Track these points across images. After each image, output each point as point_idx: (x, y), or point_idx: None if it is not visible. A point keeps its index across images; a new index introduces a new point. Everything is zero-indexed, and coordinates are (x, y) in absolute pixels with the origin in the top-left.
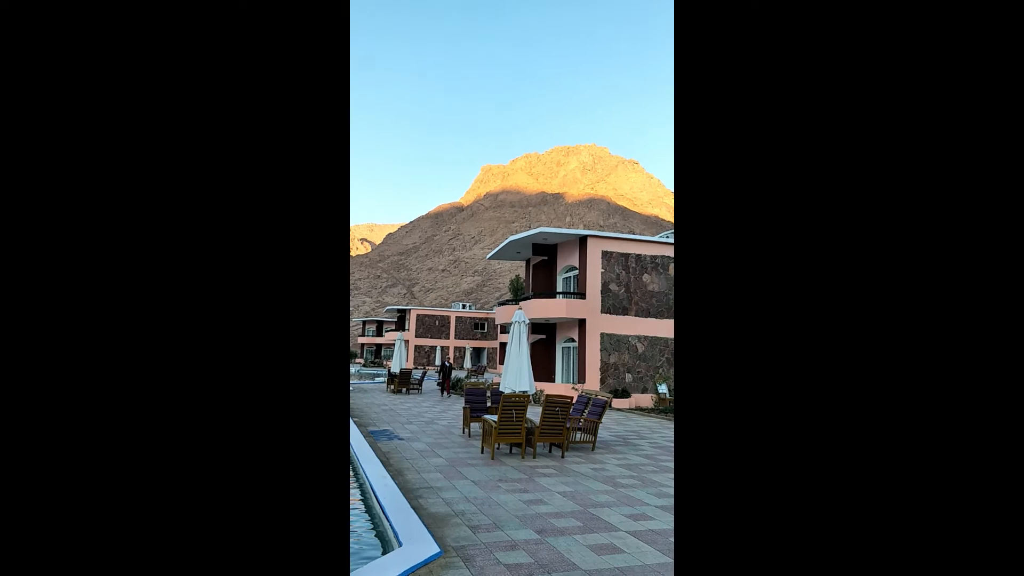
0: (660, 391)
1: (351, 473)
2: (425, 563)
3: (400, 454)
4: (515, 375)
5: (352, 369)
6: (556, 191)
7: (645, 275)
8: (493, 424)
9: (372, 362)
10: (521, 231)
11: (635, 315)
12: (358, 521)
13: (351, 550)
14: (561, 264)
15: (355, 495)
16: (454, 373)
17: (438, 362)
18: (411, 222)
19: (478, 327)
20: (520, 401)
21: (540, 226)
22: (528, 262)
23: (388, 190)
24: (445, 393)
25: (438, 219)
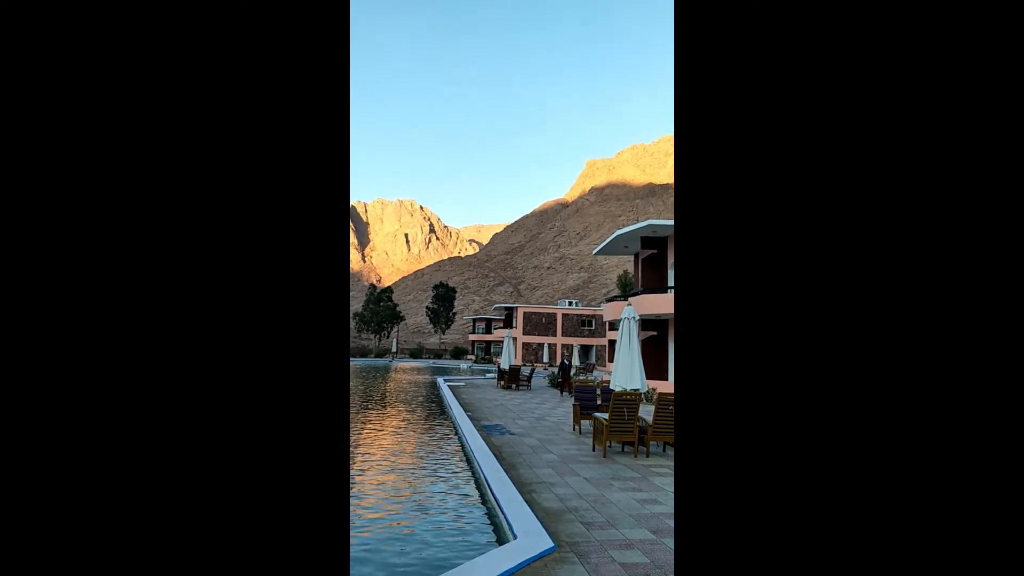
0: None
1: (467, 465)
2: (539, 556)
3: (512, 448)
4: (626, 373)
5: (463, 365)
6: (664, 182)
7: None
8: (604, 422)
9: (482, 359)
10: (628, 225)
11: None
12: (474, 512)
13: (466, 539)
14: (672, 258)
15: (471, 487)
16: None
17: (545, 359)
18: (516, 221)
19: (585, 324)
20: (632, 399)
21: (648, 219)
22: (636, 256)
23: (493, 192)
24: (566, 392)
25: (542, 217)
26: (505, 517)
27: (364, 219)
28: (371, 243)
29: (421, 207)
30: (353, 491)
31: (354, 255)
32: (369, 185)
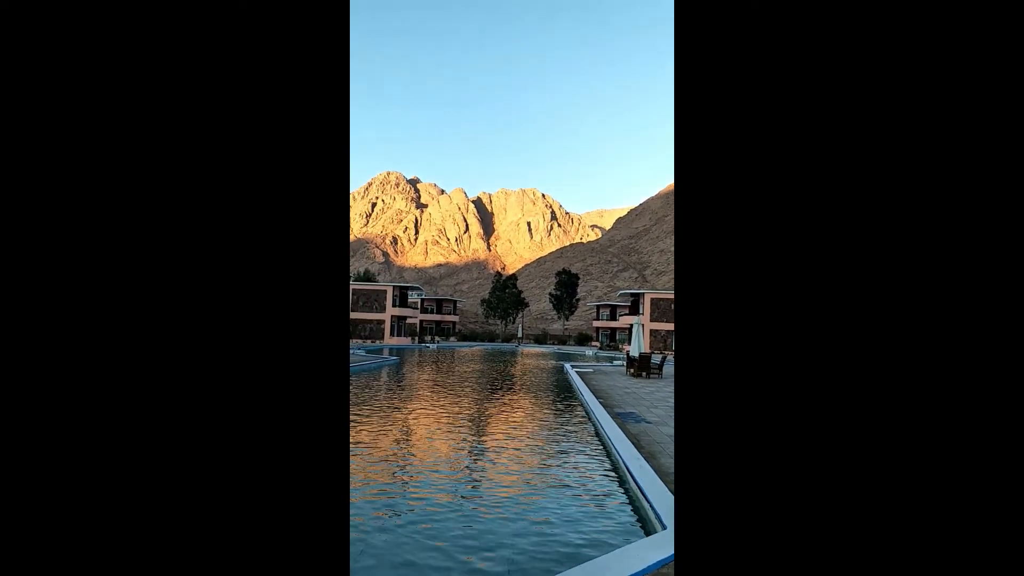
0: None
1: (604, 453)
2: None
3: (650, 437)
4: None
5: (589, 352)
6: None
7: None
8: None
9: (607, 345)
10: None
11: None
12: (615, 498)
13: (610, 527)
14: None
15: (610, 475)
16: None
17: (675, 347)
18: (640, 204)
19: None
20: None
21: None
22: None
23: (615, 176)
24: None
25: (669, 198)
26: (651, 507)
27: (489, 209)
28: (496, 232)
29: (543, 195)
30: (489, 467)
31: (480, 244)
32: (493, 176)
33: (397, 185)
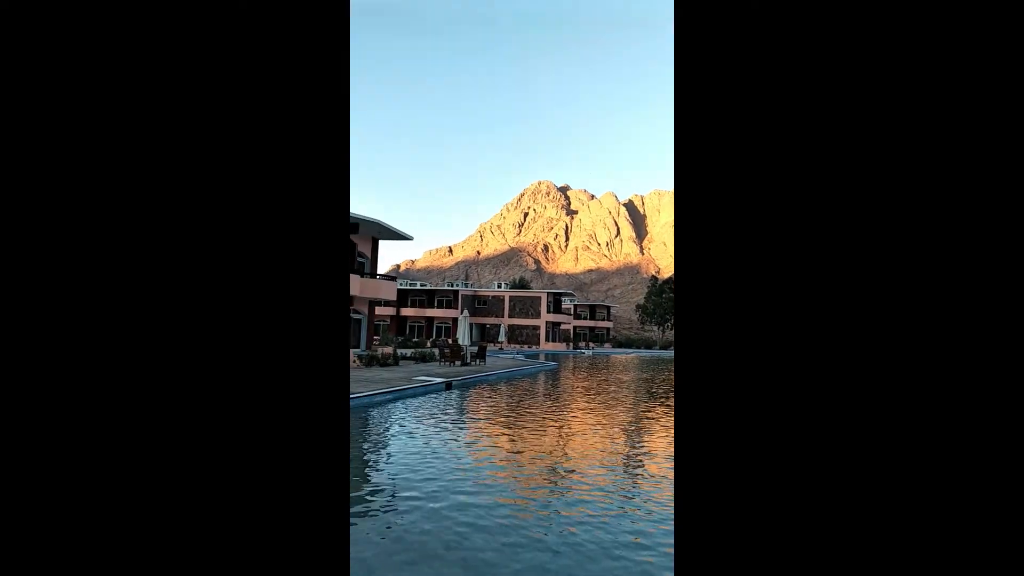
0: None
1: None
2: None
3: None
4: None
5: None
6: None
7: None
8: None
9: None
10: None
11: None
12: None
13: None
14: None
15: None
16: None
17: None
18: None
19: None
20: None
21: None
22: None
23: None
24: None
25: None
26: None
27: (641, 211)
28: (648, 235)
29: None
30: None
31: (632, 248)
32: (645, 177)
33: (548, 194)
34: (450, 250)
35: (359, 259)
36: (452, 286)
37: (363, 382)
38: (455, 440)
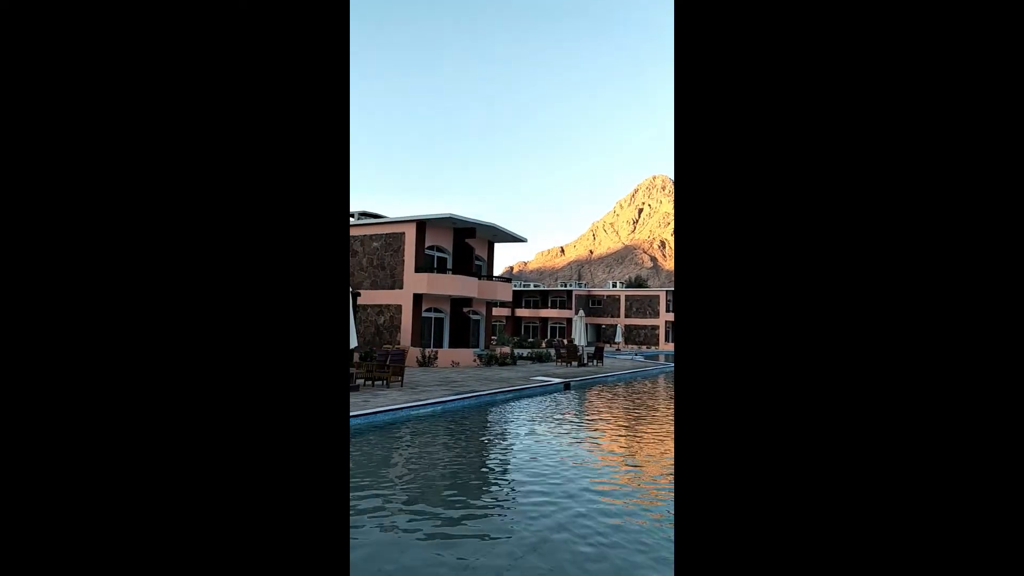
0: None
1: None
2: None
3: None
4: None
5: None
6: None
7: None
8: None
9: None
10: None
11: None
12: None
13: None
14: None
15: None
16: None
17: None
18: None
19: None
20: None
21: None
22: None
23: None
24: None
25: None
26: None
27: None
28: None
29: None
30: None
31: None
32: None
33: (663, 188)
34: (562, 250)
35: (476, 262)
36: (565, 286)
37: (484, 380)
38: (584, 441)
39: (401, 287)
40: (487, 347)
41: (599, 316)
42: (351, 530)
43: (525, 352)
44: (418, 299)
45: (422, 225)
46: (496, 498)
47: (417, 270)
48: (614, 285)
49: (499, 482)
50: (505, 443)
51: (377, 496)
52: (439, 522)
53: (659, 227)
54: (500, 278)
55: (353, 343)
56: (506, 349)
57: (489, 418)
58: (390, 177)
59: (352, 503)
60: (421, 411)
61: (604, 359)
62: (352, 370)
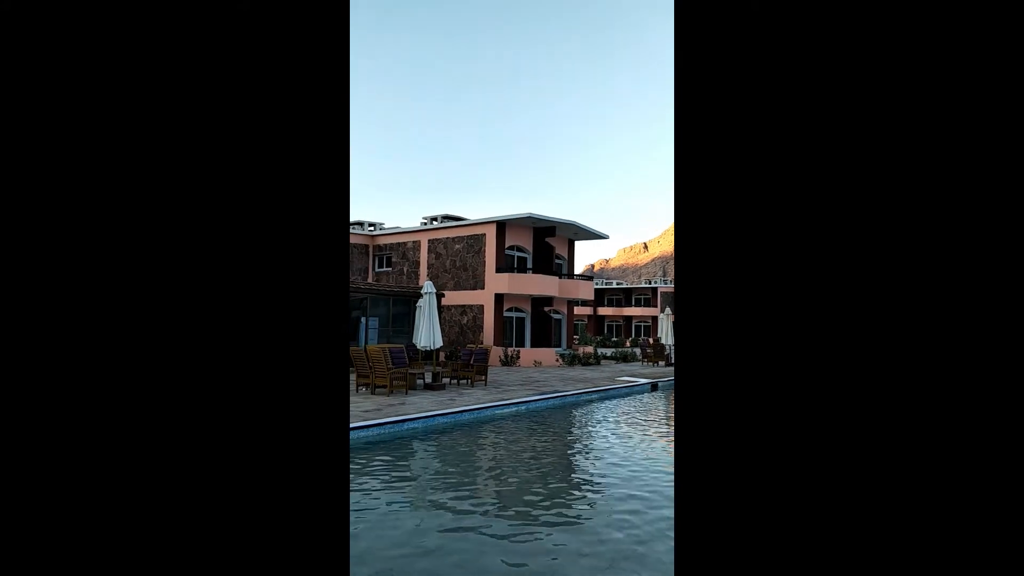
0: None
1: None
2: None
3: None
4: None
5: None
6: None
7: None
8: None
9: None
10: None
11: None
12: None
13: None
14: None
15: None
16: None
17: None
18: None
19: None
20: None
21: None
22: None
23: None
24: None
25: None
26: None
27: None
28: None
29: None
30: None
31: None
32: None
33: None
34: (645, 246)
35: (557, 260)
36: (650, 283)
37: (567, 380)
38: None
39: (483, 287)
40: (569, 346)
41: None
42: (443, 533)
43: (609, 352)
44: (499, 299)
45: (502, 225)
46: (591, 503)
47: (498, 270)
48: None
49: (590, 484)
50: (593, 444)
51: (471, 497)
52: (523, 522)
53: None
54: (581, 276)
55: (438, 343)
56: (589, 348)
57: (574, 419)
58: (469, 178)
59: (444, 501)
60: (504, 411)
61: None
62: (438, 369)
